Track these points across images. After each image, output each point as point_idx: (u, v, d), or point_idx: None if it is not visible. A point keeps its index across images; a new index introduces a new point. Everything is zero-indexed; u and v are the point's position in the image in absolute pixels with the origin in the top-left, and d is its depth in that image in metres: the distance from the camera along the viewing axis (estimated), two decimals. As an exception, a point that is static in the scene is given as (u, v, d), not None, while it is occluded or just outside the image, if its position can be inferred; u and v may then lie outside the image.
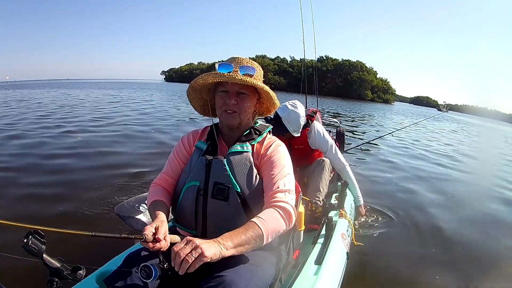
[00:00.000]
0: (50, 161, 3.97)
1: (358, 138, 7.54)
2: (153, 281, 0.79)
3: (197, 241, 0.75)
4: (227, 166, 1.00)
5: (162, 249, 0.83)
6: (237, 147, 1.04)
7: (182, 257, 0.72)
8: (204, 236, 1.01)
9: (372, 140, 4.24)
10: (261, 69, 1.09)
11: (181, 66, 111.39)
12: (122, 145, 5.09)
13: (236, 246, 0.81)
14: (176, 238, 0.91)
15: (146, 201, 1.29)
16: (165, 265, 0.82)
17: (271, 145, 1.07)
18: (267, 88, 1.02)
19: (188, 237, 0.77)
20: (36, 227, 0.70)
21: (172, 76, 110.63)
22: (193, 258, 0.72)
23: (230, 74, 0.98)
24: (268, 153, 1.04)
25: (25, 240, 0.71)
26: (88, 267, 0.86)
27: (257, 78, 1.04)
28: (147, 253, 0.92)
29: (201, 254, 0.73)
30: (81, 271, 0.81)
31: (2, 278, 1.36)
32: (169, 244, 0.85)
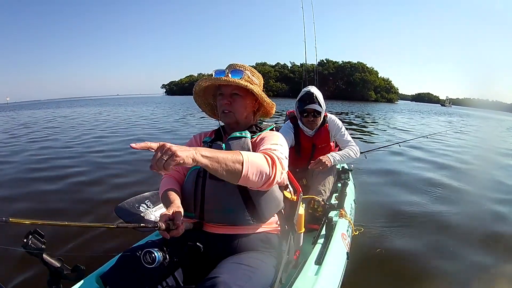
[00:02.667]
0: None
1: (369, 142, 7.46)
2: (156, 266, 0.82)
3: (174, 147, 0.74)
4: (224, 148, 1.07)
5: (177, 235, 0.87)
6: (236, 134, 1.11)
7: (156, 160, 0.73)
8: (202, 218, 1.04)
9: (383, 147, 4.23)
10: (254, 72, 1.15)
11: (181, 79, 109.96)
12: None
13: (211, 158, 0.79)
14: (188, 225, 0.95)
15: (147, 201, 1.32)
16: (167, 251, 0.85)
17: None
18: (250, 86, 1.06)
19: (162, 142, 0.75)
20: (59, 223, 0.70)
21: (173, 89, 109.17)
22: (166, 158, 0.72)
23: (221, 78, 1.06)
24: (264, 137, 1.09)
25: (25, 240, 0.73)
26: (88, 267, 0.88)
27: (247, 80, 1.10)
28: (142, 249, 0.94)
29: (173, 155, 0.73)
30: (81, 271, 0.82)
31: (2, 278, 1.38)
32: (184, 230, 0.89)
